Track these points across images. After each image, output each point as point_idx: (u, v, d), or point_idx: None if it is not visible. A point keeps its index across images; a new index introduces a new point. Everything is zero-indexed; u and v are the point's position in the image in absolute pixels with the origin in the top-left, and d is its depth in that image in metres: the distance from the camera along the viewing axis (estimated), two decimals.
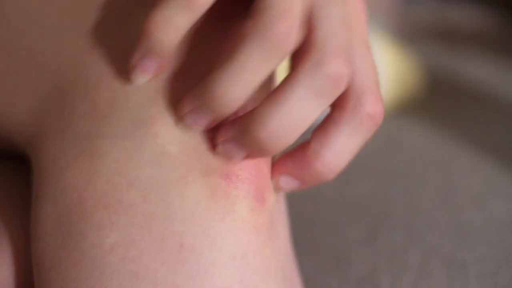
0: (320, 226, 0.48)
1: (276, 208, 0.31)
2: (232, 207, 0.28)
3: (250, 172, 0.29)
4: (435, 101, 0.74)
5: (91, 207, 0.28)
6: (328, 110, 0.30)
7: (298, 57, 0.28)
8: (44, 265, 0.29)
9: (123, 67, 0.30)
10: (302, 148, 0.30)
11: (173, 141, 0.28)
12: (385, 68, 0.69)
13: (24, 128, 0.32)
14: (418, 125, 0.68)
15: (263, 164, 0.30)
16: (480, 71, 0.83)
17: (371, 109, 0.29)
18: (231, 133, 0.28)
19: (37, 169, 0.31)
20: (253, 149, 0.28)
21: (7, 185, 0.36)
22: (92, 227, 0.28)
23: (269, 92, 0.27)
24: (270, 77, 0.32)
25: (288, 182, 0.31)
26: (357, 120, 0.29)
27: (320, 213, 0.50)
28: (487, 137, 0.65)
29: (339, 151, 0.29)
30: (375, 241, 0.46)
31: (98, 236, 0.28)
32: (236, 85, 0.26)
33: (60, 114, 0.30)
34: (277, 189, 0.31)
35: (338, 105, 0.29)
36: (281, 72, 0.33)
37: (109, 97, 0.29)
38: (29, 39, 0.32)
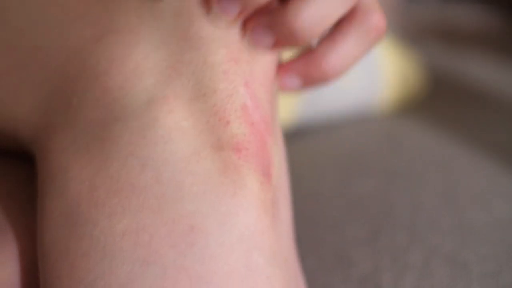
0: (321, 225, 0.48)
1: (279, 189, 0.31)
2: (244, 182, 0.28)
3: (257, 145, 0.29)
4: (437, 100, 0.74)
5: (103, 194, 0.28)
6: None
7: None
8: (51, 257, 0.29)
9: (136, 48, 0.29)
10: (310, 51, 0.32)
11: (187, 117, 0.29)
12: (386, 68, 0.69)
13: (29, 125, 0.32)
14: (420, 125, 0.68)
15: (267, 137, 0.30)
16: (481, 71, 0.83)
17: (377, 22, 0.32)
18: (263, 20, 0.30)
19: (43, 165, 0.31)
20: (281, 37, 0.30)
21: (11, 183, 0.35)
22: (104, 215, 0.28)
23: None
24: None
25: (292, 81, 0.33)
26: (364, 29, 0.32)
27: (321, 212, 0.50)
28: (489, 137, 0.65)
29: (344, 55, 0.32)
30: (377, 240, 0.46)
31: (109, 223, 0.27)
32: None
33: (68, 106, 0.30)
34: (281, 88, 0.33)
35: (346, 18, 0.32)
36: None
37: (121, 80, 0.29)
38: (31, 37, 0.32)
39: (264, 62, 0.31)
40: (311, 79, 0.33)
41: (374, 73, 0.69)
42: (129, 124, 0.28)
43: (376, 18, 0.32)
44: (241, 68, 0.30)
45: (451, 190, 0.54)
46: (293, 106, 0.63)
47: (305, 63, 0.32)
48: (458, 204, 0.52)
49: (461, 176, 0.56)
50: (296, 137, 0.63)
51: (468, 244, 0.46)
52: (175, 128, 0.28)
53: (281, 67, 0.33)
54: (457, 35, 0.97)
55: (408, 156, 0.61)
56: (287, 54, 0.35)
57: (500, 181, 0.56)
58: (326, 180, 0.56)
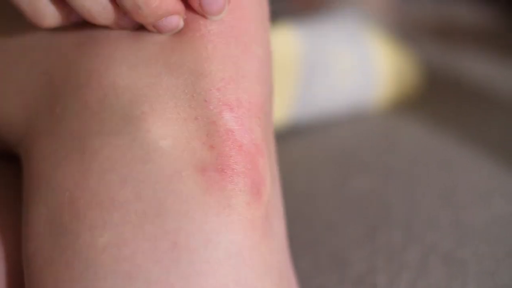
0: (317, 225, 0.48)
1: (272, 205, 0.31)
2: (228, 201, 0.28)
3: (246, 166, 0.29)
4: (434, 98, 0.74)
5: (84, 206, 0.28)
6: None
7: None
8: (36, 266, 0.29)
9: (113, 64, 0.29)
10: None
11: (165, 136, 0.28)
12: (384, 66, 0.69)
13: (15, 127, 0.32)
14: (417, 122, 0.68)
15: (258, 158, 0.30)
16: (479, 68, 0.83)
17: None
18: None
19: (28, 169, 0.31)
20: None
21: None
22: (85, 227, 0.28)
23: None
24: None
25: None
26: None
27: (318, 212, 0.50)
28: (487, 135, 0.64)
29: None
30: (374, 240, 0.46)
31: (91, 235, 0.27)
32: None
33: (52, 113, 0.30)
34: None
35: None
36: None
37: (100, 95, 0.29)
38: (19, 36, 0.32)
39: (250, 90, 0.31)
40: None
41: (369, 71, 0.68)
42: (109, 140, 0.28)
43: None
44: (225, 95, 0.30)
45: (448, 188, 0.53)
46: (287, 106, 0.63)
47: None
48: (456, 202, 0.51)
49: (459, 174, 0.56)
50: (291, 136, 0.63)
51: (466, 243, 0.46)
52: (153, 149, 0.28)
53: None
54: (453, 33, 0.97)
55: (404, 154, 0.61)
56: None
57: (498, 179, 0.55)
58: (321, 180, 0.55)
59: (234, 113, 0.30)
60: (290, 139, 0.62)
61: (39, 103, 0.31)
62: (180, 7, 0.29)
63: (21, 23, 0.32)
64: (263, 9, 0.33)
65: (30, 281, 0.29)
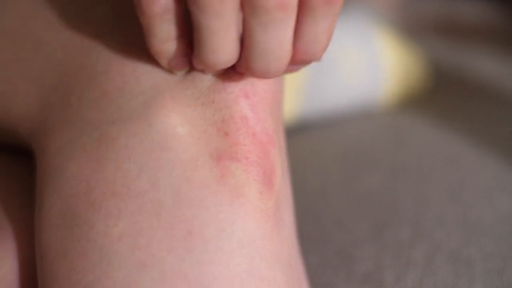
0: (326, 222, 0.48)
1: (282, 195, 0.31)
2: (241, 190, 0.28)
3: (258, 155, 0.29)
4: (441, 95, 0.74)
5: (99, 196, 0.28)
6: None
7: None
8: (49, 257, 0.29)
9: (134, 52, 0.29)
10: None
11: (183, 123, 0.29)
12: (390, 63, 0.69)
13: (30, 120, 0.32)
14: (423, 120, 0.68)
15: (270, 148, 0.30)
16: (486, 65, 0.83)
17: None
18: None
19: (42, 162, 0.31)
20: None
21: (10, 178, 0.35)
22: (100, 216, 0.28)
23: None
24: None
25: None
26: (313, 7, 0.27)
27: (326, 209, 0.50)
28: (493, 132, 0.64)
29: (311, 37, 0.28)
30: (381, 237, 0.46)
31: (105, 225, 0.28)
32: None
33: (67, 104, 0.30)
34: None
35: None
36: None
37: (119, 82, 0.29)
38: (35, 28, 0.32)
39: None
40: (297, 66, 0.30)
41: (376, 69, 0.68)
42: (126, 127, 0.29)
43: None
44: (241, 81, 0.30)
45: (457, 186, 0.53)
46: (295, 102, 0.63)
47: None
48: (464, 200, 0.51)
49: (467, 172, 0.56)
50: (299, 132, 0.63)
51: (473, 241, 0.46)
52: (171, 135, 0.28)
53: None
54: (460, 30, 0.97)
55: (412, 151, 0.61)
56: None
57: (507, 177, 0.55)
58: (329, 176, 0.55)
59: (249, 101, 0.30)
60: (297, 135, 0.62)
61: (54, 95, 0.31)
62: None
63: (35, 20, 0.32)
64: None
65: (43, 272, 0.29)
